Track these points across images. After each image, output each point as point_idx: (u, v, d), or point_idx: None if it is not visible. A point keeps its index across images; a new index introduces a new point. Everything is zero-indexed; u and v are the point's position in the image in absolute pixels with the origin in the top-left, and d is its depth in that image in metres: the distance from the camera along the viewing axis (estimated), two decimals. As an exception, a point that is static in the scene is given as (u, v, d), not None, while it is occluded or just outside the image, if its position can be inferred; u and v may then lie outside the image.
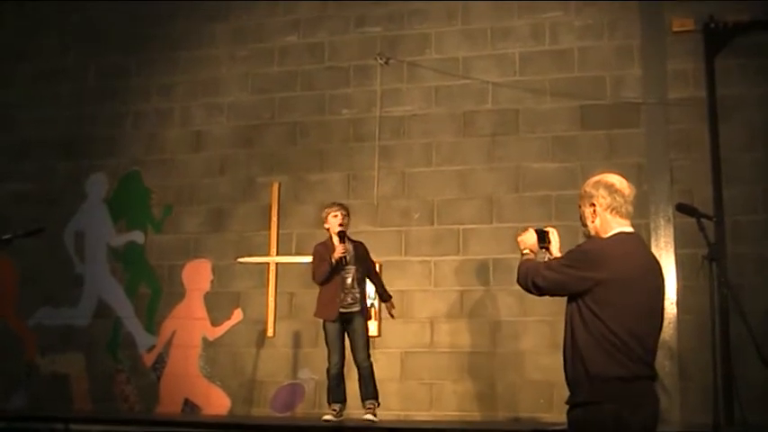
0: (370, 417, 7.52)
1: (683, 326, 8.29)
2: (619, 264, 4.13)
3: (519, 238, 4.72)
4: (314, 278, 7.74)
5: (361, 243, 7.90)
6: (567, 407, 4.31)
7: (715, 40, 8.71)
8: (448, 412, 8.75)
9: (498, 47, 9.47)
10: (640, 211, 8.41)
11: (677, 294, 8.39)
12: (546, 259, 4.64)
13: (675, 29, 8.92)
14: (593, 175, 4.50)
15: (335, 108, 9.80)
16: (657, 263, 4.39)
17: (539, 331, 8.57)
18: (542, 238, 4.68)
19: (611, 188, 4.32)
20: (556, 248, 4.70)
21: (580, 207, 4.43)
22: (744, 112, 8.60)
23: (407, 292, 9.00)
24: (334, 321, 7.61)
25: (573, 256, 4.25)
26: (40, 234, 8.11)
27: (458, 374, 8.84)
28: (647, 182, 8.67)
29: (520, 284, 4.51)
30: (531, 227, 4.76)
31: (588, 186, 4.40)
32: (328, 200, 9.22)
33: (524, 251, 4.67)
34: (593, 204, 4.33)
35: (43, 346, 10.09)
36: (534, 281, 4.36)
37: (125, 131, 10.47)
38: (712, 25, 8.71)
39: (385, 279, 8.47)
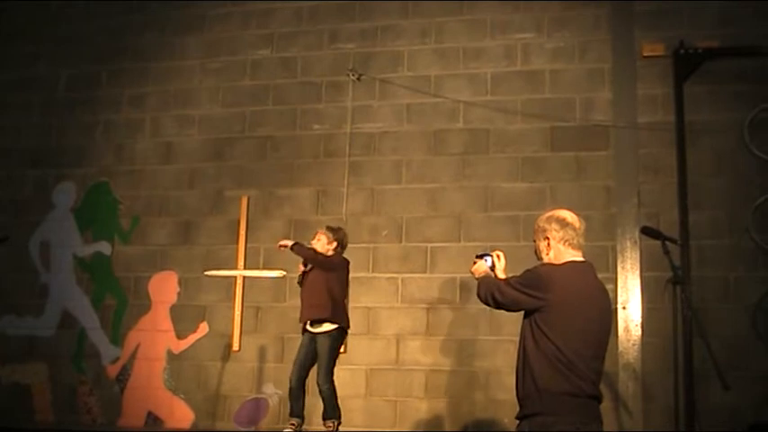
0: (328, 434, 7.52)
1: (647, 348, 8.34)
2: (567, 288, 4.38)
3: (472, 269, 5.03)
4: None
5: (341, 259, 7.90)
6: (517, 422, 4.52)
7: (685, 65, 8.80)
8: (412, 430, 8.74)
9: (470, 66, 9.52)
10: (607, 233, 8.52)
11: (642, 317, 8.44)
12: None
13: (646, 54, 9.00)
14: (551, 208, 4.84)
15: (306, 123, 9.80)
16: (605, 291, 4.67)
17: (504, 350, 8.56)
18: (489, 261, 5.06)
19: (562, 222, 4.63)
20: (500, 270, 5.00)
21: (535, 242, 4.75)
22: (711, 138, 8.68)
23: (374, 309, 9.00)
24: (303, 333, 7.67)
25: (527, 276, 4.52)
26: (5, 242, 8.04)
27: (423, 392, 8.83)
28: (614, 204, 8.73)
29: (480, 297, 4.78)
30: (476, 255, 5.10)
31: (541, 222, 4.71)
32: (297, 215, 9.33)
33: (479, 277, 4.95)
34: (548, 238, 4.64)
35: (5, 355, 9.97)
36: (494, 295, 4.63)
37: (95, 141, 10.41)
38: (682, 51, 8.79)
39: (352, 295, 8.50)
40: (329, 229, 7.91)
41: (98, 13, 10.73)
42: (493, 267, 5.01)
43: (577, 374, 4.28)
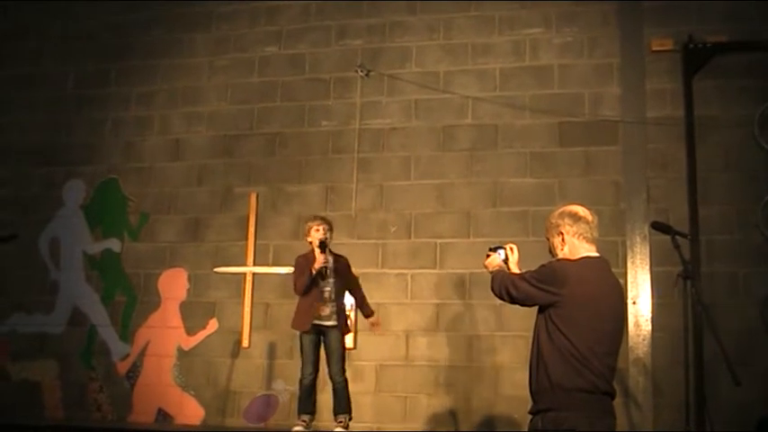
0: (340, 430, 7.50)
1: (658, 343, 8.33)
2: (582, 284, 4.38)
3: (485, 263, 5.06)
4: (294, 289, 7.69)
5: (342, 257, 7.86)
6: (530, 417, 4.52)
7: (693, 60, 8.79)
8: (422, 426, 8.75)
9: (479, 62, 9.51)
10: (616, 228, 8.51)
11: (652, 311, 8.43)
12: None
13: (654, 48, 8.99)
14: (562, 204, 4.88)
15: (315, 120, 9.80)
16: (620, 287, 4.68)
17: (514, 346, 8.57)
18: (501, 254, 5.07)
19: (575, 216, 4.64)
20: (513, 263, 5.04)
21: (548, 239, 4.75)
22: (720, 133, 8.66)
23: (383, 305, 8.98)
24: (308, 333, 7.57)
25: (542, 271, 4.52)
26: (15, 240, 8.05)
27: (433, 388, 8.84)
28: (623, 200, 8.72)
29: (494, 291, 4.79)
30: (489, 248, 5.12)
31: (553, 218, 4.72)
32: (306, 211, 9.27)
33: (492, 271, 4.96)
34: (561, 233, 4.64)
35: (15, 352, 10.00)
36: (508, 289, 4.64)
37: (103, 139, 10.43)
38: (691, 45, 8.78)
39: (361, 291, 8.52)
40: (322, 219, 7.82)
41: (106, 11, 10.74)
42: (506, 260, 5.03)
43: (591, 370, 4.28)
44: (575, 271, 4.44)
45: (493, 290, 4.79)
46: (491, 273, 4.93)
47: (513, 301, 4.67)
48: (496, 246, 5.12)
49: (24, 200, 10.44)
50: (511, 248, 5.09)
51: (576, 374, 4.29)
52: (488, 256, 5.08)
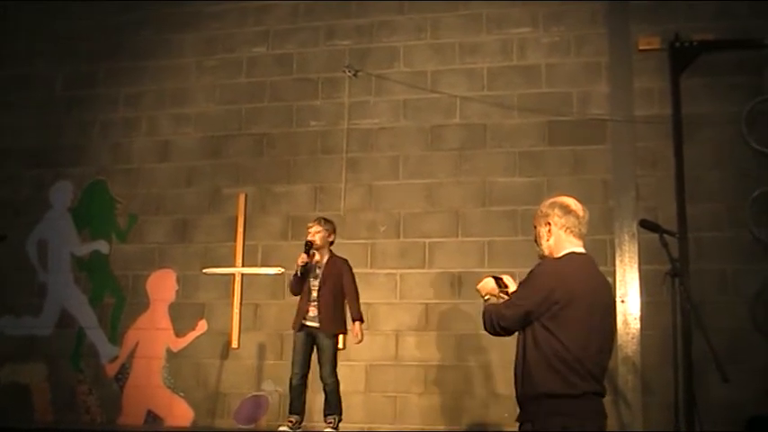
0: (329, 431, 7.49)
1: (647, 341, 8.33)
2: (571, 282, 4.27)
3: (478, 286, 4.85)
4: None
5: (340, 259, 7.83)
6: (518, 424, 4.44)
7: (680, 58, 8.80)
8: (412, 425, 8.74)
9: (467, 61, 9.51)
10: (605, 226, 8.51)
11: (641, 310, 8.43)
12: None
13: (642, 47, 9.00)
14: (554, 195, 4.77)
15: (303, 120, 9.79)
16: (608, 283, 4.60)
17: (504, 345, 8.41)
18: (498, 283, 4.80)
19: (566, 209, 4.53)
20: (513, 289, 4.74)
21: (535, 227, 4.62)
22: (708, 131, 8.66)
23: (373, 305, 8.97)
24: (299, 332, 7.60)
25: (527, 283, 4.39)
26: (3, 242, 8.02)
27: (423, 387, 8.83)
28: (612, 198, 8.73)
29: (487, 331, 4.57)
30: (487, 275, 4.87)
31: (544, 207, 4.61)
32: (295, 212, 9.31)
33: (485, 297, 4.78)
34: (549, 224, 4.53)
35: (4, 355, 9.96)
36: (500, 323, 4.45)
37: (91, 140, 10.39)
38: (678, 44, 8.79)
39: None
40: (325, 220, 7.88)
41: (94, 12, 10.70)
42: (506, 288, 4.76)
43: (579, 374, 4.19)
44: (561, 269, 4.35)
45: (485, 329, 4.58)
46: (483, 302, 4.74)
47: (506, 331, 4.48)
48: (497, 276, 4.85)
49: (13, 202, 10.40)
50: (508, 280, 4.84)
51: (561, 380, 4.19)
52: (482, 279, 4.86)
